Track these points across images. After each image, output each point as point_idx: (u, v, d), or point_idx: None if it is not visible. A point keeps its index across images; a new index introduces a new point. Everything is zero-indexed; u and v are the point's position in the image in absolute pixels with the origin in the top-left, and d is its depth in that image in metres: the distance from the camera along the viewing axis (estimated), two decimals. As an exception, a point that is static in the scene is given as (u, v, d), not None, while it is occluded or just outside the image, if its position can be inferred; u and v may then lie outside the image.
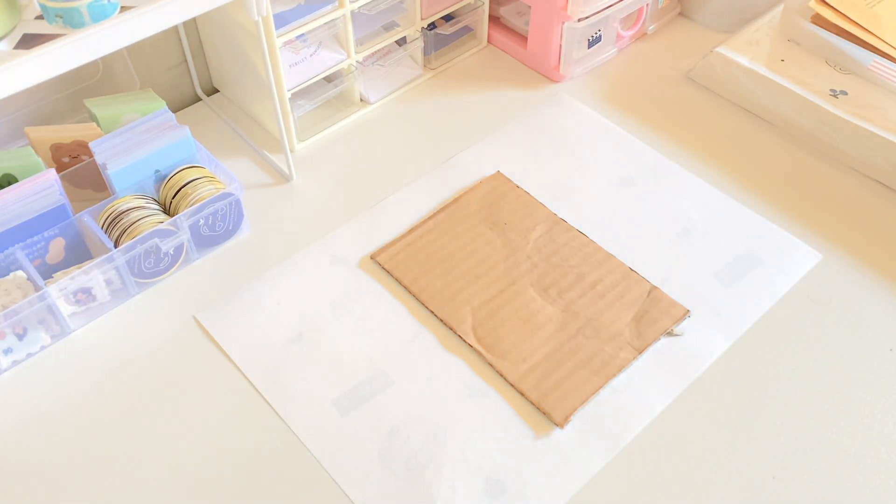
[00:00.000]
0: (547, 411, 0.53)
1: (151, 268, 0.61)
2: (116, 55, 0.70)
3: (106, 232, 0.59)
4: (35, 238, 0.58)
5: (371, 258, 0.63)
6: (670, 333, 0.58)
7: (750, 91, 0.76)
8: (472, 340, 0.57)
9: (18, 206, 0.57)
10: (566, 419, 0.53)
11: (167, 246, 0.60)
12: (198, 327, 0.59)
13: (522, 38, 0.83)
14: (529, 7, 0.78)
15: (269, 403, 0.55)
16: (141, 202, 0.61)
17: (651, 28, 0.86)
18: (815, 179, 0.70)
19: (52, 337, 0.58)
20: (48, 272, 0.59)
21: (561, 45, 0.78)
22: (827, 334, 0.59)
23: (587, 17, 0.76)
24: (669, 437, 0.53)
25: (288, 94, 0.69)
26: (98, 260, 0.57)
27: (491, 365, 0.56)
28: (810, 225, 0.66)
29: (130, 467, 0.52)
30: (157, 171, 0.62)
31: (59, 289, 0.56)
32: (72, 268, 0.58)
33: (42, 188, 0.58)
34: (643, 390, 0.55)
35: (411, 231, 0.65)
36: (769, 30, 0.79)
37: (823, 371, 0.56)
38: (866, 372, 0.56)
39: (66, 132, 0.63)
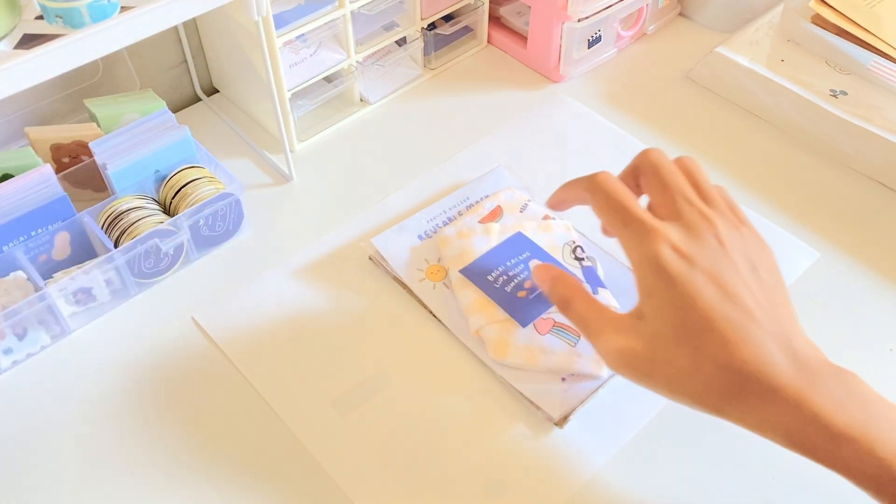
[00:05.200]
0: (546, 411, 0.53)
1: (151, 268, 0.61)
2: (116, 55, 0.70)
3: (106, 232, 0.59)
4: (39, 232, 0.58)
5: (370, 259, 0.63)
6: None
7: (750, 91, 0.76)
8: (470, 342, 0.57)
9: (16, 199, 0.57)
10: (566, 419, 0.53)
11: (167, 246, 0.60)
12: (198, 327, 0.59)
13: (522, 38, 0.83)
14: (529, 7, 0.78)
15: (268, 404, 0.55)
16: (141, 202, 0.61)
17: (651, 28, 0.86)
18: (815, 179, 0.70)
19: (52, 337, 0.58)
20: (56, 267, 0.59)
21: (561, 45, 0.78)
22: (826, 334, 0.59)
23: (587, 18, 0.77)
24: (669, 437, 0.53)
25: (288, 95, 0.69)
26: (98, 260, 0.57)
27: (490, 367, 0.56)
28: (809, 224, 0.66)
29: (130, 467, 0.52)
30: (157, 172, 0.63)
31: (58, 289, 0.56)
32: (72, 268, 0.58)
33: (37, 182, 0.57)
34: (642, 390, 0.55)
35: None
36: (769, 30, 0.80)
37: (823, 371, 0.56)
38: (866, 372, 0.56)
39: (66, 132, 0.63)
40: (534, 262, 0.53)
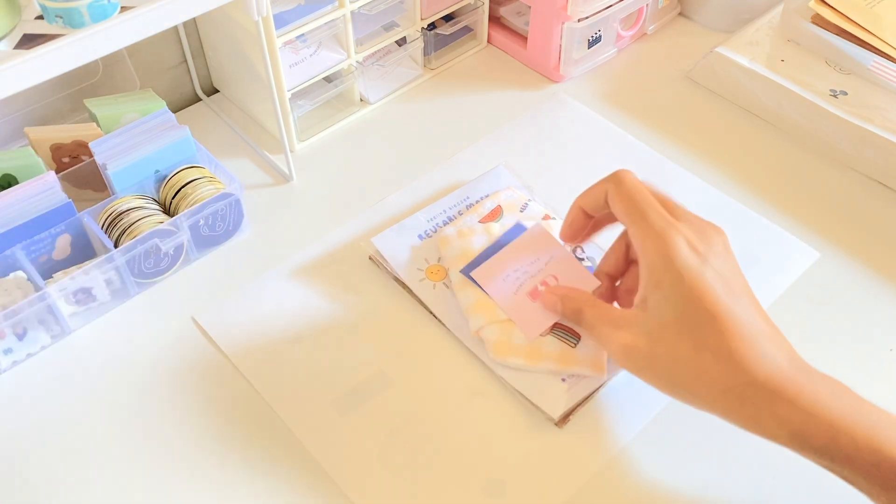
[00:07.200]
0: (546, 411, 0.53)
1: (151, 268, 0.61)
2: (116, 55, 0.70)
3: (106, 232, 0.59)
4: (42, 235, 0.58)
5: (370, 258, 0.63)
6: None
7: (750, 91, 0.76)
8: (470, 342, 0.57)
9: (21, 206, 0.57)
10: (566, 419, 0.53)
11: (167, 246, 0.60)
12: (198, 327, 0.59)
13: (522, 38, 0.83)
14: (529, 7, 0.78)
15: (268, 404, 0.55)
16: (141, 202, 0.61)
17: (651, 28, 0.86)
18: (815, 179, 0.70)
19: (52, 337, 0.58)
20: (57, 267, 0.59)
21: (561, 46, 0.78)
22: (826, 334, 0.59)
23: (587, 17, 0.77)
24: (669, 437, 0.53)
25: (288, 95, 0.69)
26: (98, 260, 0.57)
27: (490, 367, 0.56)
28: (809, 224, 0.66)
29: (129, 467, 0.52)
30: (157, 172, 0.63)
31: (59, 289, 0.56)
32: (71, 268, 0.58)
33: (41, 189, 0.57)
34: (643, 390, 0.55)
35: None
36: (769, 30, 0.80)
37: (822, 370, 0.56)
38: (866, 372, 0.56)
39: (66, 132, 0.63)
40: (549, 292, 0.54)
